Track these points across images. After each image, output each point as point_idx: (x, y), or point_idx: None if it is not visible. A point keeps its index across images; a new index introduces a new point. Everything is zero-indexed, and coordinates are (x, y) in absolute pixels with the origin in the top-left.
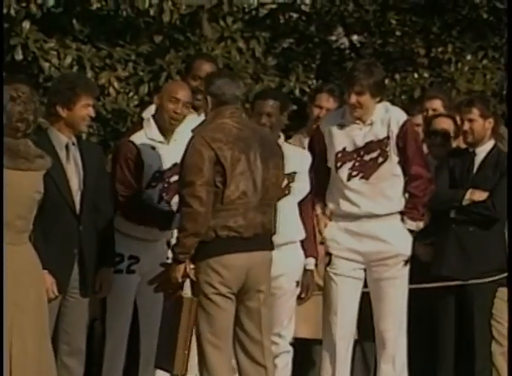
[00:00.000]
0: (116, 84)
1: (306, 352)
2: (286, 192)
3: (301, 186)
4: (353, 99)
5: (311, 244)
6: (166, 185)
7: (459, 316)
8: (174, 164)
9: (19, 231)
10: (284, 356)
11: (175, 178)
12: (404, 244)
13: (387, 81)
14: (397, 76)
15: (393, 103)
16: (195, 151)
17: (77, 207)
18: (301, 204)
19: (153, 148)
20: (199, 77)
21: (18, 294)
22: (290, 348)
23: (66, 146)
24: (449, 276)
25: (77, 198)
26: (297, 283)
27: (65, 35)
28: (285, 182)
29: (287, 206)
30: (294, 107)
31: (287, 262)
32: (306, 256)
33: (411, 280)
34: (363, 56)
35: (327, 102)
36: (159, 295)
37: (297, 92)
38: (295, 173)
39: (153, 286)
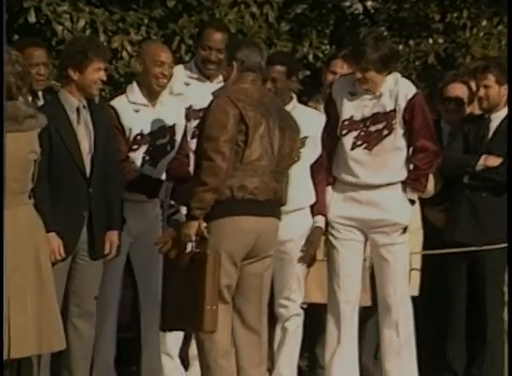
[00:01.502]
0: (129, 48)
1: (319, 317)
2: (296, 158)
3: (312, 151)
4: (359, 74)
5: (320, 203)
6: (151, 148)
7: (472, 282)
8: (161, 127)
9: (16, 193)
10: (295, 319)
11: (162, 140)
12: (402, 213)
13: (401, 46)
14: (411, 42)
15: (407, 68)
16: (220, 109)
17: (87, 169)
18: (312, 166)
19: (136, 111)
20: (208, 48)
21: (16, 256)
22: (301, 312)
23: (77, 109)
24: (462, 242)
25: (87, 161)
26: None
27: None
28: None
29: (297, 172)
30: (307, 73)
31: (295, 227)
32: (315, 214)
33: (424, 246)
34: (377, 21)
35: (341, 68)
36: (154, 255)
37: (310, 57)
38: (306, 138)
39: (147, 246)
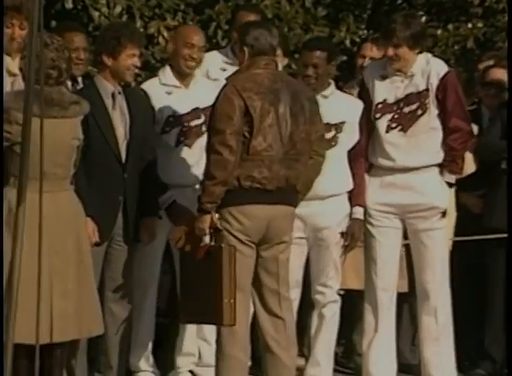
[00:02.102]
0: (165, 33)
1: (355, 304)
2: (333, 143)
3: (349, 137)
4: (390, 51)
5: (359, 192)
6: (185, 129)
7: (508, 268)
8: (195, 109)
9: (58, 178)
10: (331, 306)
11: (197, 122)
12: (440, 197)
13: (439, 31)
14: (450, 26)
15: (445, 53)
16: (226, 99)
17: (123, 155)
18: (350, 152)
19: (168, 93)
20: None
21: (57, 241)
22: (338, 298)
23: (113, 95)
24: (499, 228)
25: (122, 146)
26: (342, 234)
27: None
28: (332, 133)
29: (333, 157)
30: (344, 58)
31: (331, 214)
32: (353, 205)
33: (461, 232)
34: (415, 6)
35: (370, 51)
36: None
37: (347, 42)
38: (343, 123)
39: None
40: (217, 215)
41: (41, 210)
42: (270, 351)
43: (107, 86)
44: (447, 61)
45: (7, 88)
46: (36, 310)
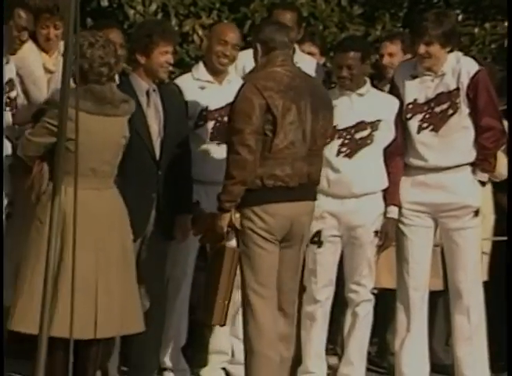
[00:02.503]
0: (200, 31)
1: (389, 303)
2: (369, 141)
3: (385, 135)
4: (422, 49)
5: (394, 191)
6: (218, 124)
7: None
8: (229, 104)
9: (105, 176)
10: (365, 305)
11: None
12: (473, 195)
13: (476, 29)
14: (487, 24)
15: (482, 52)
16: (245, 99)
17: (157, 152)
18: (386, 151)
19: (201, 88)
20: None
21: (103, 237)
22: (371, 297)
23: (147, 92)
24: None
25: (156, 144)
26: (376, 232)
27: None
28: (367, 131)
29: (369, 155)
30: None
31: (366, 213)
32: (388, 204)
33: (496, 231)
34: (452, 4)
35: (388, 48)
36: None
37: None
38: (379, 121)
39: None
40: (237, 215)
41: (75, 206)
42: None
43: (142, 84)
44: (484, 59)
45: (43, 85)
46: (71, 304)
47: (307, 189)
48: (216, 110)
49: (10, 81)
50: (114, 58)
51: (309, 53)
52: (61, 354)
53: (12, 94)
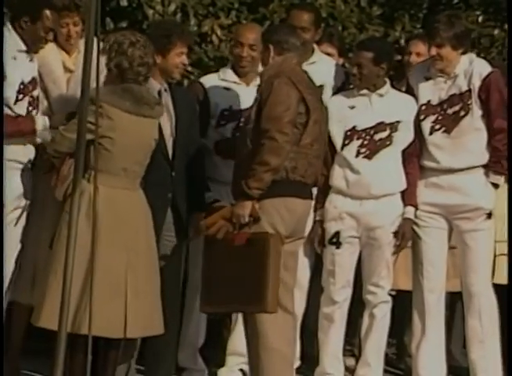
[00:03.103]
0: (219, 31)
1: (407, 304)
2: (388, 142)
3: (404, 136)
4: (433, 51)
5: (411, 192)
6: (241, 124)
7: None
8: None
9: (135, 177)
10: (383, 306)
11: None
12: (486, 198)
13: (496, 31)
14: (506, 26)
15: (501, 53)
16: (282, 90)
17: (170, 152)
18: (404, 152)
19: (226, 88)
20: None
21: (132, 237)
22: (389, 299)
23: (159, 92)
24: None
25: (169, 143)
26: (394, 234)
27: None
28: (387, 132)
29: (388, 156)
30: (399, 57)
31: (385, 214)
32: (405, 205)
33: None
34: (472, 5)
35: (417, 47)
36: None
37: (402, 41)
38: (398, 122)
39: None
40: (257, 205)
41: (94, 205)
42: (273, 348)
43: (153, 84)
44: (503, 61)
45: (63, 84)
46: (89, 301)
47: (311, 188)
48: (240, 110)
49: (33, 79)
50: (152, 59)
51: (327, 54)
52: (81, 354)
53: (35, 93)
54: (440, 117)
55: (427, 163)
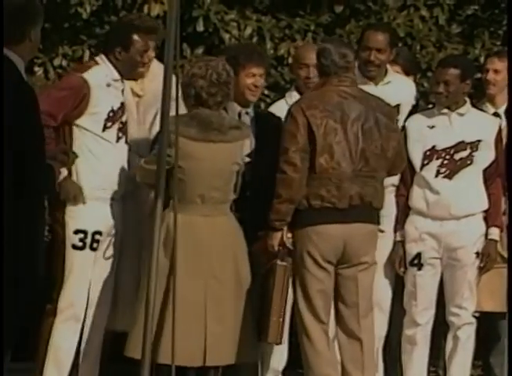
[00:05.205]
0: None
1: (492, 326)
2: (468, 162)
3: (485, 155)
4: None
5: (495, 213)
6: None
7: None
8: None
9: (216, 202)
10: (467, 328)
11: None
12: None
13: None
14: None
15: None
16: (291, 118)
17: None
18: (485, 171)
19: None
20: (368, 48)
21: (215, 265)
22: (473, 320)
23: (239, 115)
24: None
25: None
26: (477, 254)
27: (245, 7)
28: (467, 151)
29: (469, 176)
30: (479, 75)
31: (466, 234)
32: (489, 226)
33: None
34: None
35: (494, 64)
36: None
37: (481, 59)
38: (480, 141)
39: None
40: (289, 235)
41: (175, 231)
42: (346, 372)
43: (234, 106)
44: None
45: (133, 109)
46: (172, 331)
47: (361, 211)
48: None
49: (122, 105)
50: (226, 85)
51: None
52: None
53: (124, 118)
54: None
55: None
